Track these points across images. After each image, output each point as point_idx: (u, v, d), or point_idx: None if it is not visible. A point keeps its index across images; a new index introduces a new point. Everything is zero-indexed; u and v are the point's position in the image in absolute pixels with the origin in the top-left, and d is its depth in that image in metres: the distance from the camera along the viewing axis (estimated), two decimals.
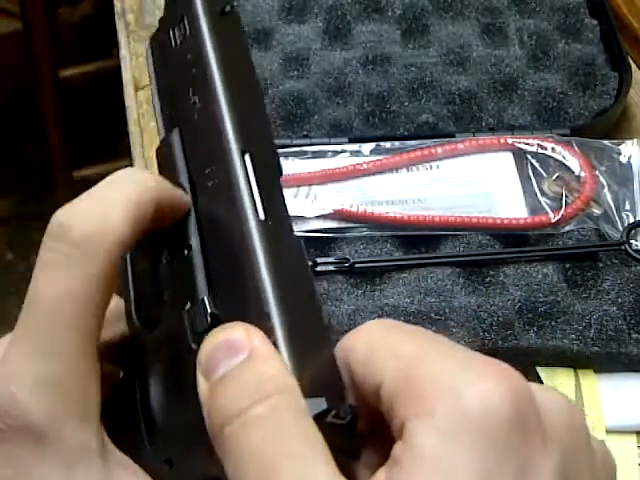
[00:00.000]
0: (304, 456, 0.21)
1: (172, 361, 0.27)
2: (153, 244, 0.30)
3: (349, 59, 0.67)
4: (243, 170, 0.27)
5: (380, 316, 0.52)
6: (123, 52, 0.71)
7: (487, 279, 0.55)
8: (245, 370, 0.23)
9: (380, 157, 0.60)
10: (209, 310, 0.26)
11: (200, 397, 0.23)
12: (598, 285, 0.55)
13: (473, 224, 0.57)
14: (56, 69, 1.32)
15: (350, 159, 0.60)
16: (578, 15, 0.69)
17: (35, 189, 1.54)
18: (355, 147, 0.61)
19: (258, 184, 0.27)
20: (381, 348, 0.24)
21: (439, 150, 0.60)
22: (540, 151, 0.60)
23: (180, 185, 0.29)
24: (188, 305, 0.27)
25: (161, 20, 0.33)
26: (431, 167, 0.60)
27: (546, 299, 0.53)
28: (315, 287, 0.27)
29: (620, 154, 0.60)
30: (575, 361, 0.52)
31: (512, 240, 0.57)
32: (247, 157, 0.28)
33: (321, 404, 0.23)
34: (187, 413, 0.25)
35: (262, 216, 0.27)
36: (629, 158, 0.60)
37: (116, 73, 0.71)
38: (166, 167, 0.31)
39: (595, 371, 0.53)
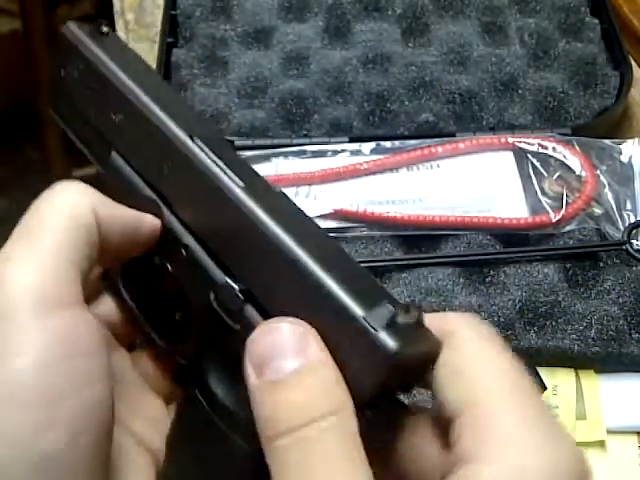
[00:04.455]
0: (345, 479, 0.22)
1: (223, 355, 0.27)
2: (144, 269, 0.30)
3: (349, 58, 0.66)
4: (201, 152, 0.28)
5: None
6: None
7: (487, 279, 0.55)
8: (298, 382, 0.23)
9: (380, 156, 0.60)
10: (237, 287, 0.26)
11: (250, 392, 0.24)
12: (599, 285, 0.55)
13: (473, 224, 0.56)
14: None
15: (350, 158, 0.60)
16: (579, 14, 0.69)
17: (34, 188, 1.53)
18: (355, 146, 0.61)
19: (221, 159, 0.27)
20: (467, 375, 0.24)
21: (439, 149, 0.60)
22: (541, 150, 0.60)
23: (145, 198, 0.29)
24: (212, 296, 0.27)
25: (52, 73, 0.33)
26: (431, 167, 0.60)
27: (547, 299, 0.53)
28: (316, 223, 0.27)
29: (621, 153, 0.60)
30: (576, 361, 0.52)
31: (513, 240, 0.57)
32: (197, 140, 0.28)
33: (386, 308, 0.23)
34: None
35: (242, 184, 0.27)
36: (630, 157, 0.60)
37: None
38: (120, 191, 0.30)
39: (596, 371, 0.53)
